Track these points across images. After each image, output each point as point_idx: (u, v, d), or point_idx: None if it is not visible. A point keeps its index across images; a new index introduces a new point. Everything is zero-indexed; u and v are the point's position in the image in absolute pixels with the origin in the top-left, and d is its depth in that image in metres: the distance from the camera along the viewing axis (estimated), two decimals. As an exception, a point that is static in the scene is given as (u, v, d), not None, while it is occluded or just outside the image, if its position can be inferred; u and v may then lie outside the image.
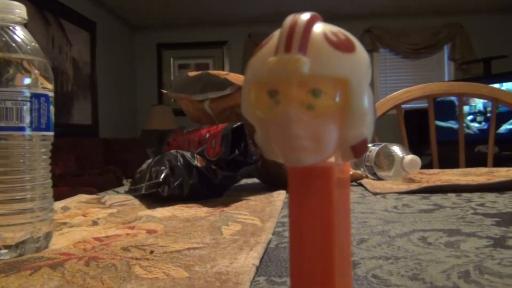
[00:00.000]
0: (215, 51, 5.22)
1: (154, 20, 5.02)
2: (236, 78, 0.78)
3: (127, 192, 0.80)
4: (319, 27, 0.18)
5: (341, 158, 0.20)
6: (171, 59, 5.29)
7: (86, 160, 3.39)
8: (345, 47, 0.18)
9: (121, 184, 2.77)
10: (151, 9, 4.67)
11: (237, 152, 0.67)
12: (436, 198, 0.68)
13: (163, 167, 0.67)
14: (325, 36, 0.18)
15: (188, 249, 0.39)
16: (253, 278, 0.32)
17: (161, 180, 0.65)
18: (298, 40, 0.18)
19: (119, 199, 0.72)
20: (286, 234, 0.46)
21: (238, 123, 0.68)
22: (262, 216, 0.54)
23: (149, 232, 0.47)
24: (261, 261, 0.36)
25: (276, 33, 0.19)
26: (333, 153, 0.19)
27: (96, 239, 0.44)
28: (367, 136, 0.19)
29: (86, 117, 4.18)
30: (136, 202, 0.69)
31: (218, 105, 0.81)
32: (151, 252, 0.38)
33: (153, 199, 0.69)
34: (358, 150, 0.19)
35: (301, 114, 0.18)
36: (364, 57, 0.19)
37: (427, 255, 0.36)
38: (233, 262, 0.34)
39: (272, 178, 0.82)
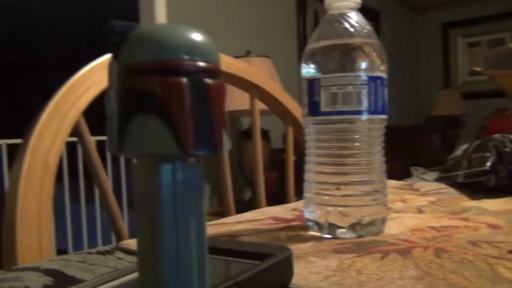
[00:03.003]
0: (510, 22, 4.50)
1: (439, -2, 4.71)
2: None
3: (437, 180, 0.75)
4: None
5: None
6: (459, 38, 4.86)
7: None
8: None
9: (407, 172, 2.70)
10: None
11: None
12: None
13: (488, 154, 0.59)
14: None
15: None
16: None
17: (488, 168, 0.57)
18: None
19: (431, 186, 0.68)
20: None
21: None
22: None
23: (491, 226, 0.41)
24: None
25: None
26: None
27: (431, 228, 0.41)
28: None
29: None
30: (453, 191, 0.64)
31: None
32: (510, 251, 0.33)
33: (470, 188, 0.62)
34: None
35: None
36: None
37: None
38: None
39: None
